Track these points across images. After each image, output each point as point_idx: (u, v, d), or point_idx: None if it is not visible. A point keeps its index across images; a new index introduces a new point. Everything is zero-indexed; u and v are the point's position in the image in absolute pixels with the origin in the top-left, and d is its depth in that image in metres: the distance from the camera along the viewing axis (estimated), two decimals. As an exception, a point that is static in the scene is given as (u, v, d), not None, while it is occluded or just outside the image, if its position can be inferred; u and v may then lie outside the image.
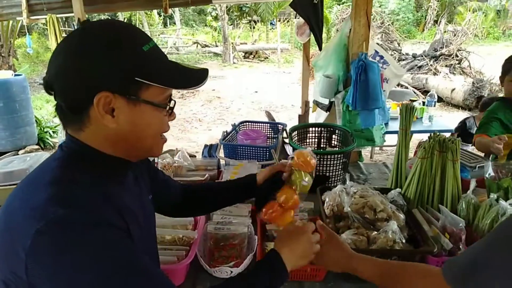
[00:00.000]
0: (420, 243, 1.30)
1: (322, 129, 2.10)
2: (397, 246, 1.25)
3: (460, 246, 1.27)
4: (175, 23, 19.21)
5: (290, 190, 1.06)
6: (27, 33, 5.08)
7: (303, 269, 1.27)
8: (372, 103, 2.00)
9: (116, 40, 0.70)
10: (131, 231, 0.72)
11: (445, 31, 9.50)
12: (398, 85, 7.82)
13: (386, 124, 3.11)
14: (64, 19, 12.23)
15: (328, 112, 2.27)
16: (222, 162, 1.95)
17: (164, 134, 0.83)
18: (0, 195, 1.68)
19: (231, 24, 20.96)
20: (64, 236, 0.61)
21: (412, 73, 8.13)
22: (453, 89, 7.06)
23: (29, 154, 1.92)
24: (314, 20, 3.09)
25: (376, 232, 1.31)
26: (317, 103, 2.35)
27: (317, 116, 2.48)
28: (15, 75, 4.77)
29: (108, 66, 0.68)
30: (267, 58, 15.08)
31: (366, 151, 4.13)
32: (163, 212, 1.17)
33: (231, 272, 1.25)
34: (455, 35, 8.40)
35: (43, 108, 7.58)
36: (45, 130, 5.41)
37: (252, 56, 15.52)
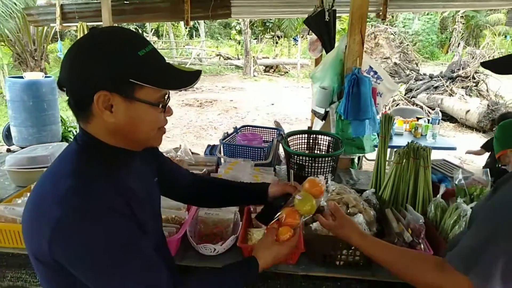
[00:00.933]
0: (385, 236, 1.45)
1: (316, 136, 2.27)
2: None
3: (420, 240, 1.41)
4: (200, 35, 19.81)
5: (292, 212, 1.12)
6: (59, 39, 5.45)
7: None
8: (362, 114, 2.16)
9: (114, 46, 0.80)
10: (136, 215, 0.84)
11: (464, 54, 9.52)
12: (412, 104, 7.89)
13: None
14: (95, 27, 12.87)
15: (324, 121, 2.44)
16: (222, 160, 2.15)
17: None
18: (25, 176, 1.93)
19: (255, 39, 21.46)
20: (81, 223, 0.75)
21: (428, 93, 8.18)
22: (468, 111, 7.07)
23: (51, 144, 2.18)
24: (326, 37, 3.27)
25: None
26: (314, 112, 2.53)
27: (314, 124, 2.65)
28: (45, 77, 5.14)
29: (106, 69, 0.78)
30: (287, 72, 15.37)
31: (368, 165, 4.24)
32: (170, 196, 1.27)
33: (215, 249, 1.43)
34: (473, 57, 8.42)
35: (69, 109, 8.00)
36: (68, 129, 5.76)
37: (273, 70, 15.84)
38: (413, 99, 8.19)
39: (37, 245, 0.79)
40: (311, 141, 2.29)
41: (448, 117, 7.63)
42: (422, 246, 1.41)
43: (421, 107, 7.64)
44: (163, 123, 0.91)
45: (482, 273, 0.77)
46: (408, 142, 1.73)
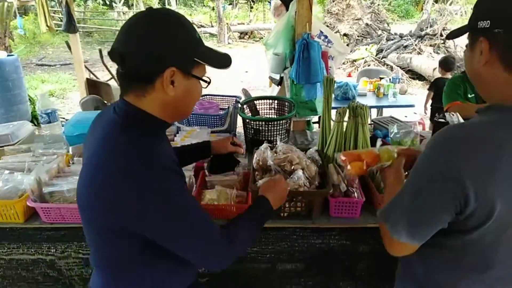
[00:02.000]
0: (325, 187, 1.60)
1: (271, 101, 2.38)
2: (301, 189, 1.55)
3: (353, 189, 1.57)
4: (171, 3, 19.14)
5: (374, 156, 1.29)
6: (18, 15, 5.26)
7: (229, 208, 1.57)
8: (313, 77, 2.27)
9: (184, 28, 0.90)
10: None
11: (432, 11, 9.60)
12: (383, 64, 8.02)
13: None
14: (55, 1, 12.29)
15: (279, 86, 2.54)
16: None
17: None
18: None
19: (230, 4, 20.88)
20: (157, 185, 0.84)
21: (397, 53, 8.31)
22: (435, 68, 7.25)
23: (12, 123, 2.22)
24: (289, 1, 3.31)
25: (289, 178, 1.61)
26: (271, 79, 2.62)
27: (271, 90, 2.76)
28: (8, 55, 5.00)
29: (179, 48, 0.89)
30: (262, 38, 15.18)
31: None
32: None
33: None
34: (441, 14, 8.52)
35: (38, 87, 7.85)
36: (36, 107, 5.70)
37: (248, 36, 15.60)
38: (383, 59, 8.32)
39: (114, 219, 0.87)
40: (268, 106, 2.41)
41: (417, 75, 7.82)
42: (356, 194, 1.58)
43: (391, 67, 7.79)
44: None
45: (392, 223, 0.92)
46: (350, 102, 1.86)
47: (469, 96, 2.35)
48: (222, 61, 0.98)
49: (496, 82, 0.83)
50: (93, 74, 5.12)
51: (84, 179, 0.92)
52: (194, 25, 0.96)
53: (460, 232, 0.87)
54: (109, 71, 4.99)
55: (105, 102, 4.18)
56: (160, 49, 0.87)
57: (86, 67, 5.02)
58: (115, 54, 0.88)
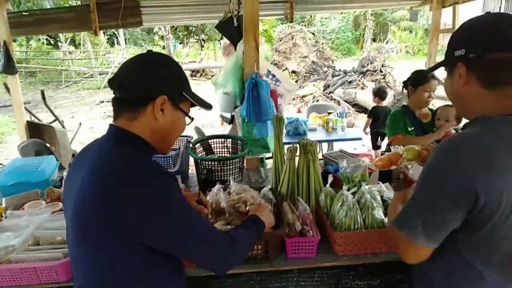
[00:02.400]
0: (280, 227, 1.57)
1: (224, 139, 2.36)
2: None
3: (308, 228, 1.56)
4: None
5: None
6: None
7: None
8: (263, 115, 2.31)
9: (178, 67, 1.09)
10: None
11: (371, 49, 10.37)
12: (330, 99, 8.41)
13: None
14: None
15: (231, 125, 2.54)
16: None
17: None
18: None
19: (181, 43, 21.16)
20: (161, 193, 0.93)
21: (343, 88, 8.78)
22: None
23: None
24: (238, 41, 3.38)
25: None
26: (222, 117, 2.63)
27: (223, 129, 2.75)
28: None
29: (172, 81, 1.05)
30: (213, 76, 15.39)
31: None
32: None
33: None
34: (379, 52, 9.22)
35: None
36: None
37: (199, 74, 15.77)
38: (330, 94, 8.74)
39: (119, 226, 0.91)
40: (220, 145, 2.38)
41: (362, 109, 8.26)
42: (311, 232, 1.56)
43: (338, 102, 8.18)
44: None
45: (409, 229, 1.00)
46: (300, 139, 1.88)
47: (409, 129, 2.49)
48: (204, 102, 1.15)
49: (476, 98, 0.99)
50: (34, 116, 4.84)
51: (83, 195, 0.95)
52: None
53: (470, 230, 0.96)
54: (52, 112, 4.76)
55: (48, 145, 3.94)
56: (157, 78, 1.02)
57: (26, 109, 4.73)
58: (114, 80, 1.02)
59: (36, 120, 4.75)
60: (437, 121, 2.47)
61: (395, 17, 19.99)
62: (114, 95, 1.04)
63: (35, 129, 4.40)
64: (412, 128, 2.49)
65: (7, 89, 4.59)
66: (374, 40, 14.37)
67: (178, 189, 1.01)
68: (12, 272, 1.36)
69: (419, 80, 2.49)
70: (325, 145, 4.89)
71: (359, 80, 8.75)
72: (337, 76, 9.46)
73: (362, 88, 8.57)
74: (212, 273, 1.35)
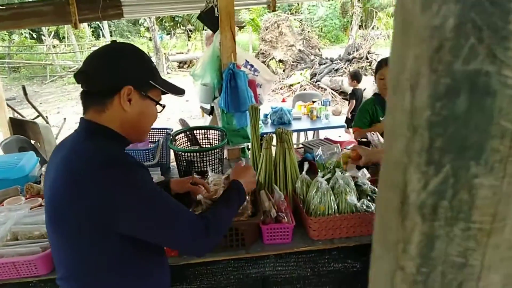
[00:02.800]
0: (256, 215, 1.61)
1: (205, 130, 2.38)
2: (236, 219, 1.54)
3: (283, 215, 1.60)
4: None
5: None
6: None
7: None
8: (242, 106, 2.32)
9: (142, 56, 1.09)
10: None
11: (357, 37, 10.38)
12: (318, 87, 8.43)
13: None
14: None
15: (211, 116, 2.55)
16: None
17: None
18: None
19: (167, 34, 20.89)
20: (130, 177, 0.95)
21: (330, 76, 8.81)
22: (365, 89, 7.76)
23: None
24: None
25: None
26: (202, 108, 2.63)
27: (204, 120, 2.76)
28: None
29: (136, 70, 1.05)
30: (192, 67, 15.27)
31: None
32: None
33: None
34: (365, 39, 9.24)
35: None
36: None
37: (187, 65, 15.64)
38: (317, 83, 8.75)
39: (91, 216, 0.93)
40: (200, 136, 2.40)
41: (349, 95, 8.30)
42: (286, 219, 1.60)
43: (325, 90, 8.21)
44: (155, 120, 1.15)
45: None
46: (276, 128, 1.91)
47: (381, 119, 2.51)
48: (175, 89, 1.15)
49: None
50: (17, 112, 4.79)
51: (56, 187, 0.98)
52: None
53: None
54: (35, 108, 4.70)
55: (32, 142, 3.91)
56: (120, 69, 1.03)
57: (8, 105, 4.68)
58: (80, 74, 1.02)
59: (19, 117, 4.70)
60: (380, 81, 2.42)
61: (383, 3, 19.95)
62: (81, 89, 1.05)
63: (18, 126, 4.36)
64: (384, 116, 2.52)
65: (-13, 85, 4.52)
66: (361, 27, 14.34)
67: (147, 177, 1.01)
68: (-10, 267, 1.38)
69: (376, 68, 2.52)
70: (311, 134, 4.93)
71: (345, 68, 8.77)
72: (324, 64, 9.48)
73: (349, 76, 8.61)
74: (192, 256, 1.45)
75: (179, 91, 1.16)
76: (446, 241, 0.24)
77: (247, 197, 1.68)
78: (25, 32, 17.00)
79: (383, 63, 2.46)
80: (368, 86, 7.87)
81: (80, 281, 1.02)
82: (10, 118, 4.50)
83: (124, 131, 1.06)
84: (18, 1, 12.05)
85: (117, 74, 1.02)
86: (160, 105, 1.12)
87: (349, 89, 8.11)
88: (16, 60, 15.35)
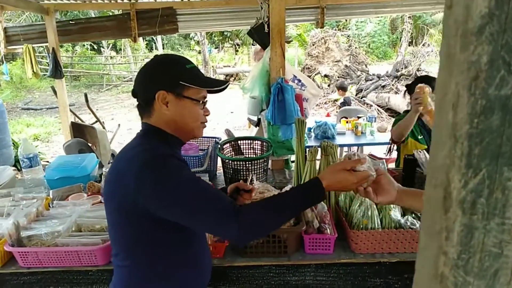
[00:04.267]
0: (299, 225, 1.66)
1: (251, 141, 2.48)
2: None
3: (326, 226, 1.63)
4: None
5: None
6: (4, 62, 5.39)
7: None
8: (288, 118, 2.40)
9: (170, 62, 1.19)
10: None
11: (406, 53, 10.15)
12: (363, 103, 8.33)
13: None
14: (43, 47, 12.59)
15: (258, 127, 2.65)
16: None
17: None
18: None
19: (216, 48, 21.63)
20: (164, 170, 1.05)
21: (376, 92, 8.67)
22: (409, 102, 7.56)
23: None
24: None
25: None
26: (249, 120, 2.74)
27: (251, 131, 2.86)
28: (-7, 100, 5.07)
29: (165, 76, 1.14)
30: (242, 80, 15.60)
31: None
32: None
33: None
34: (414, 56, 9.02)
35: (23, 131, 7.85)
36: (18, 152, 5.68)
37: (233, 78, 16.05)
38: (363, 98, 8.65)
39: (121, 197, 1.09)
40: (246, 146, 2.50)
41: (396, 114, 8.11)
42: (329, 230, 1.64)
43: (371, 106, 8.09)
44: (203, 119, 1.23)
45: None
46: (321, 142, 1.96)
47: (419, 137, 2.46)
48: (210, 82, 1.21)
49: None
50: (78, 117, 5.19)
51: (107, 177, 1.17)
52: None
53: None
54: (94, 114, 5.08)
55: (90, 145, 4.23)
56: (153, 77, 1.16)
57: (71, 110, 5.10)
58: (132, 91, 1.20)
59: (79, 121, 5.09)
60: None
61: (435, 20, 19.36)
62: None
63: (78, 130, 4.73)
64: (422, 136, 2.46)
65: (55, 92, 4.96)
66: (411, 43, 14.02)
67: (186, 169, 1.12)
68: (57, 254, 1.54)
69: (409, 88, 2.47)
70: (354, 149, 4.89)
71: (392, 85, 8.60)
72: (371, 80, 9.35)
73: (396, 93, 8.42)
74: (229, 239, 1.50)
75: (218, 84, 1.20)
76: (483, 232, 0.29)
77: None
78: (86, 44, 18.36)
79: (418, 83, 2.41)
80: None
81: (128, 259, 1.17)
82: (71, 122, 4.89)
83: (172, 131, 1.17)
84: (82, 16, 13.11)
85: (151, 83, 1.15)
86: (197, 100, 1.16)
87: (396, 106, 7.96)
88: (77, 70, 16.59)
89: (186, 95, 1.14)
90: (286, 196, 1.16)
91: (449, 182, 0.28)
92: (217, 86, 1.19)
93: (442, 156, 0.28)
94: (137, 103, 1.21)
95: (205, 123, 1.27)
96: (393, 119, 7.91)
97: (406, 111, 2.58)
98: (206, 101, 1.22)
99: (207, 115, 1.24)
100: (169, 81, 1.14)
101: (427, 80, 2.45)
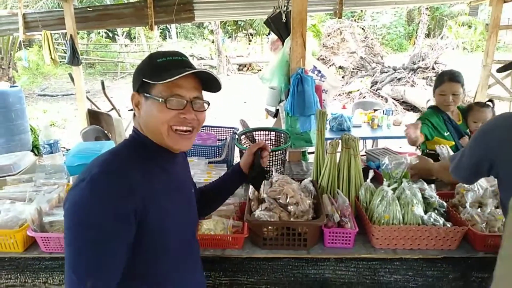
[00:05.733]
0: (319, 218, 1.64)
1: (268, 132, 2.46)
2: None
3: (346, 220, 1.61)
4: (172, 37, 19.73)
5: None
6: (23, 48, 5.44)
7: (225, 238, 1.61)
8: (307, 110, 2.36)
9: (143, 61, 1.05)
10: (146, 208, 0.95)
11: (424, 46, 9.93)
12: (378, 96, 8.20)
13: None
14: (59, 34, 12.68)
15: (275, 118, 2.62)
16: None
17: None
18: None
19: (229, 37, 21.53)
20: (83, 192, 0.87)
21: (392, 85, 8.52)
22: (428, 100, 7.42)
23: (16, 153, 2.28)
24: (286, 36, 3.45)
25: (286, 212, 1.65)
26: (267, 111, 2.72)
27: (268, 122, 2.84)
28: (11, 86, 5.14)
29: (135, 75, 1.04)
30: (260, 70, 15.54)
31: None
32: None
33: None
34: (432, 48, 8.82)
35: (40, 118, 7.96)
36: (39, 138, 5.77)
37: (246, 68, 15.99)
38: (378, 91, 8.52)
39: None
40: (264, 137, 2.48)
41: (411, 107, 7.98)
42: (349, 224, 1.61)
43: (386, 99, 7.96)
44: (171, 120, 1.01)
45: (451, 164, 1.48)
46: (343, 133, 1.93)
47: (445, 134, 2.40)
48: (170, 74, 0.96)
49: None
50: (94, 105, 5.24)
51: None
52: (190, 56, 1.16)
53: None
54: (110, 101, 5.11)
55: (106, 132, 4.26)
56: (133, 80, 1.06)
57: (88, 98, 5.14)
58: None
59: (95, 109, 5.13)
60: (473, 124, 2.37)
61: (453, 12, 18.89)
62: None
63: (94, 117, 4.77)
64: (448, 133, 2.39)
65: (72, 79, 5.01)
66: (428, 35, 13.72)
67: (108, 209, 0.88)
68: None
69: (436, 82, 2.40)
70: (369, 143, 4.83)
71: (409, 77, 8.44)
72: (386, 72, 9.20)
73: (412, 86, 8.27)
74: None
75: (177, 74, 0.95)
76: None
77: (309, 202, 1.71)
78: (101, 32, 18.46)
79: (445, 79, 2.35)
80: (432, 97, 7.51)
81: None
82: (88, 109, 4.93)
83: (153, 138, 1.04)
84: (99, 3, 13.14)
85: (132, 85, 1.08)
86: (156, 99, 0.98)
87: (412, 100, 7.82)
88: (92, 57, 16.71)
89: (152, 93, 0.99)
90: None
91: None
92: (175, 76, 0.95)
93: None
94: None
95: (184, 128, 1.03)
96: (407, 113, 7.80)
97: (431, 108, 2.53)
98: (186, 101, 1.01)
99: (184, 118, 1.01)
100: (136, 80, 1.04)
101: (439, 76, 2.40)
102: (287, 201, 1.71)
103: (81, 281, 0.86)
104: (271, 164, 2.19)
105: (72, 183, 0.94)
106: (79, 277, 0.86)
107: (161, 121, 1.00)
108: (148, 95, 0.99)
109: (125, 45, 18.47)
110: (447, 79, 2.32)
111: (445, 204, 1.73)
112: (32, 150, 5.45)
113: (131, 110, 1.09)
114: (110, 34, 19.38)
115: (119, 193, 0.90)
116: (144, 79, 0.99)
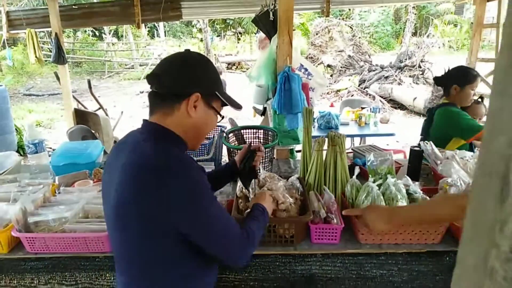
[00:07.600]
0: (305, 214, 1.65)
1: (256, 130, 2.47)
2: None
3: (333, 216, 1.63)
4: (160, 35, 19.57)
5: None
6: (7, 46, 5.34)
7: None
8: (294, 108, 2.38)
9: (210, 68, 1.13)
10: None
11: (410, 44, 10.06)
12: (366, 94, 8.28)
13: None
14: (44, 33, 12.46)
15: (263, 116, 2.63)
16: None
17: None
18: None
19: (218, 36, 21.46)
20: (195, 183, 0.99)
21: (379, 83, 8.62)
22: (415, 98, 7.53)
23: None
24: (273, 34, 3.46)
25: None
26: (254, 109, 2.72)
27: (256, 120, 2.85)
28: (-4, 86, 5.04)
29: (207, 80, 1.11)
30: (248, 68, 15.52)
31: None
32: None
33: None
34: (419, 47, 8.94)
35: (25, 117, 7.82)
36: (24, 138, 5.68)
37: (235, 67, 15.97)
38: (366, 89, 8.60)
39: (152, 213, 0.97)
40: (252, 135, 2.49)
41: (398, 105, 8.08)
42: (335, 220, 1.63)
43: (374, 97, 8.04)
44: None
45: None
46: (328, 132, 1.95)
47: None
48: (235, 103, 1.21)
49: None
50: (81, 104, 5.17)
51: (122, 187, 1.00)
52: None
53: None
54: (97, 101, 5.05)
55: (93, 132, 4.21)
56: (192, 76, 1.07)
57: (74, 97, 5.07)
58: (152, 76, 1.06)
59: (82, 108, 5.07)
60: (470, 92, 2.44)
61: (439, 10, 19.16)
62: (151, 89, 1.10)
63: (81, 116, 4.71)
64: None
65: (57, 78, 4.93)
66: (414, 34, 13.88)
67: (207, 183, 1.04)
68: (65, 240, 1.54)
69: (468, 79, 2.44)
70: (357, 140, 4.88)
71: (396, 76, 8.54)
72: (374, 71, 9.29)
73: (399, 84, 8.37)
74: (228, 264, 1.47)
75: (237, 106, 1.22)
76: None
77: (291, 199, 1.73)
78: (88, 30, 18.21)
79: (477, 77, 2.41)
80: (419, 95, 7.61)
81: (134, 277, 1.10)
82: (74, 108, 4.87)
83: (185, 136, 1.10)
84: (85, 1, 12.96)
85: (188, 80, 1.06)
86: (220, 115, 1.18)
87: (399, 98, 7.93)
88: (79, 56, 16.48)
89: (214, 105, 1.13)
90: (259, 219, 1.29)
91: (508, 172, 0.26)
92: (238, 107, 1.22)
93: (502, 144, 0.27)
94: (154, 91, 1.09)
95: None
96: (395, 110, 7.89)
97: (451, 105, 2.53)
98: (223, 117, 1.22)
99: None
100: (206, 86, 1.10)
101: (471, 73, 2.44)
102: (278, 207, 1.71)
103: (240, 229, 1.12)
104: (259, 162, 2.20)
105: (152, 175, 0.96)
106: (236, 227, 1.11)
107: (209, 129, 1.19)
108: (212, 106, 1.12)
109: (113, 44, 18.26)
110: (478, 77, 2.39)
111: (429, 199, 1.76)
112: (17, 151, 5.36)
113: (142, 92, 1.13)
114: (97, 33, 19.14)
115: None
116: (216, 92, 1.12)
